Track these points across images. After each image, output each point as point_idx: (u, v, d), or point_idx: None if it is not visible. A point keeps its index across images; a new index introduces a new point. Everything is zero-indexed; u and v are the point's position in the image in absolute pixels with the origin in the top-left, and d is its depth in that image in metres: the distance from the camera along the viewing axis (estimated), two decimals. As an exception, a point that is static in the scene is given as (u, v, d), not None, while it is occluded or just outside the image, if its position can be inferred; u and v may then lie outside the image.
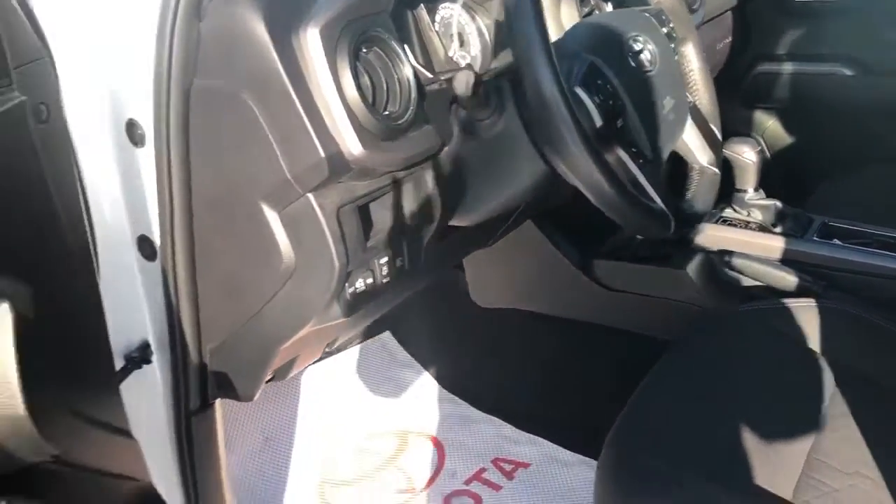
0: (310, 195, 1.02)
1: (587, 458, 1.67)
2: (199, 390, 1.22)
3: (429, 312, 1.96)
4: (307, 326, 1.14)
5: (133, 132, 1.04)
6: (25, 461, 0.80)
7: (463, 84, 1.06)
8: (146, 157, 1.05)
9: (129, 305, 1.15)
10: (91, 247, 0.98)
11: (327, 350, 1.41)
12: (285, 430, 1.75)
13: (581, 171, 1.07)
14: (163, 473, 1.26)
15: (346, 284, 1.12)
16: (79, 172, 0.96)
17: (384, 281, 1.19)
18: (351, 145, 0.98)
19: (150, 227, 1.10)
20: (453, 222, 1.28)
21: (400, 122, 1.04)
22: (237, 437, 1.65)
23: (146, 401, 1.22)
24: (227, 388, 1.22)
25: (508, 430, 1.79)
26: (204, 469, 1.28)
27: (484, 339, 1.91)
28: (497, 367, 1.88)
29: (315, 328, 1.17)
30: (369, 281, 1.16)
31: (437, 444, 1.79)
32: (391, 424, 1.84)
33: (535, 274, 1.80)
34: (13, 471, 0.79)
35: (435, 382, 1.95)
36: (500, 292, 1.86)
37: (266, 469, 1.66)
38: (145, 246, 1.12)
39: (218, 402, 1.27)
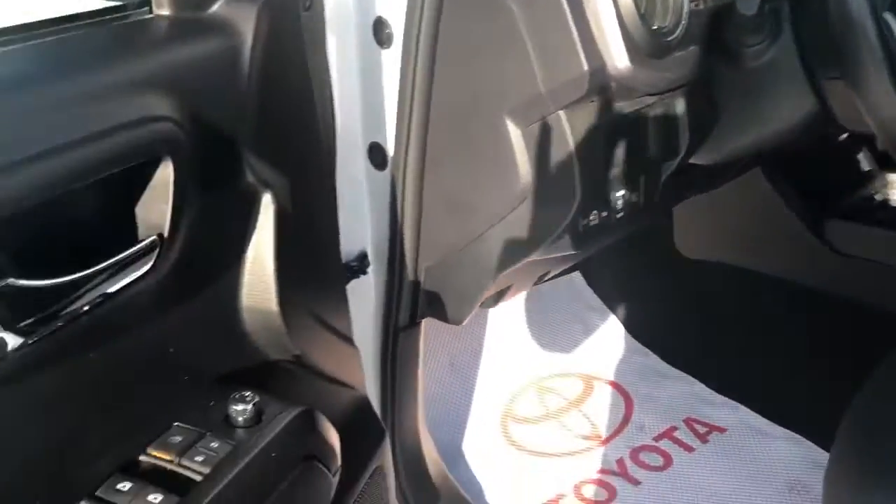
0: (561, 113, 0.94)
1: (793, 434, 1.53)
2: (409, 307, 1.19)
3: (625, 256, 1.85)
4: (532, 255, 1.07)
5: (380, 31, 0.99)
6: (269, 358, 0.79)
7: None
8: (390, 58, 1.00)
9: (352, 214, 1.13)
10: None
11: (536, 284, 1.35)
12: (471, 358, 1.72)
13: (884, 108, 0.92)
14: (367, 383, 1.26)
15: (581, 216, 1.04)
16: (327, 69, 0.92)
17: (618, 216, 1.10)
18: (618, 59, 0.88)
19: (385, 134, 1.06)
20: (695, 159, 1.17)
21: (670, 38, 0.93)
22: (425, 358, 1.63)
23: (359, 311, 1.20)
24: (436, 309, 1.19)
25: (704, 390, 1.68)
26: (403, 385, 1.26)
27: (685, 291, 1.79)
28: (697, 323, 1.75)
29: (536, 259, 1.11)
30: (604, 215, 1.07)
31: (625, 395, 1.70)
32: (576, 367, 1.77)
33: (754, 228, 1.64)
34: (256, 366, 0.78)
35: (624, 331, 1.85)
36: (710, 243, 1.72)
37: (451, 394, 1.64)
38: (376, 154, 1.08)
39: (424, 321, 1.25)
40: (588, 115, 0.95)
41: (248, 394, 0.70)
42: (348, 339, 0.94)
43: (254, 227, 0.75)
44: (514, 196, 1.01)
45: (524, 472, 1.53)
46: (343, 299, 0.94)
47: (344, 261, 1.17)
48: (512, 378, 1.72)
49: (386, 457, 0.99)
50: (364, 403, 0.97)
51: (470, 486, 1.47)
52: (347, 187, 1.13)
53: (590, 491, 1.49)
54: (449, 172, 1.07)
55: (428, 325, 1.28)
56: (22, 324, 0.55)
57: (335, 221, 0.92)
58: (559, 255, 1.12)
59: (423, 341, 1.26)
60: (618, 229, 1.13)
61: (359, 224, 1.13)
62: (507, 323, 1.82)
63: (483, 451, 1.55)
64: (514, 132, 0.97)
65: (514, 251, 1.07)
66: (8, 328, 0.53)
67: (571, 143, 0.95)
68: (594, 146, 0.97)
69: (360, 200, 1.11)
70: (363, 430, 0.95)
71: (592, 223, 1.06)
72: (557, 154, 0.96)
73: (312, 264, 0.86)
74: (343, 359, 0.92)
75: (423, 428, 1.36)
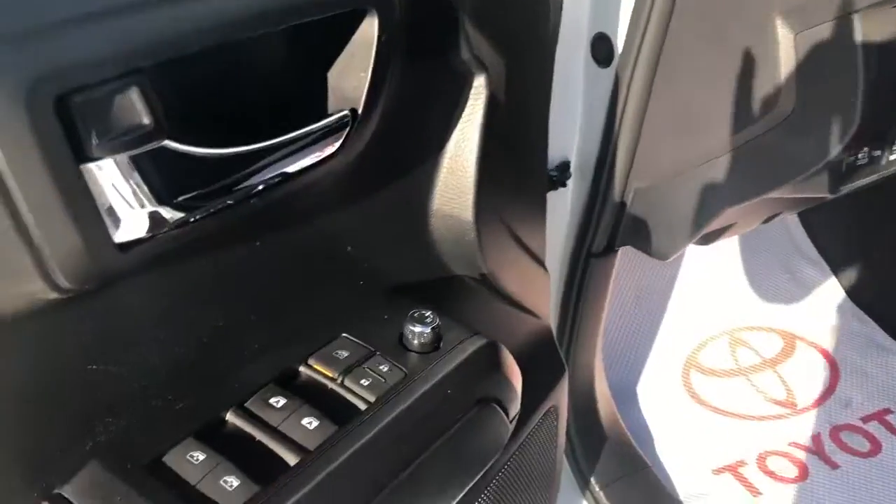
0: (855, 17, 0.73)
1: None
2: (608, 231, 1.04)
3: (856, 207, 1.58)
4: (773, 193, 0.88)
5: None
6: (454, 272, 0.68)
7: None
8: (638, -71, 0.82)
9: (561, 115, 0.97)
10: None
11: (761, 224, 1.15)
12: (659, 295, 1.55)
13: None
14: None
15: (849, 151, 0.83)
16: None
17: (889, 160, 0.88)
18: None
19: (615, 24, 0.89)
20: None
21: None
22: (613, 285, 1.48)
23: (550, 230, 1.07)
24: (640, 238, 1.03)
25: (931, 374, 1.43)
26: (586, 318, 1.13)
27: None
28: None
29: (776, 197, 0.92)
30: (876, 153, 0.86)
31: (831, 363, 1.48)
32: (778, 322, 1.55)
33: None
34: (438, 280, 0.66)
35: (842, 291, 1.61)
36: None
37: (632, 332, 1.49)
38: (601, 47, 0.92)
39: (621, 252, 1.09)
40: (892, 23, 0.74)
41: (428, 314, 0.58)
42: (540, 261, 0.81)
43: (460, 116, 0.62)
44: (770, 117, 0.82)
45: (701, 429, 1.37)
46: (541, 214, 0.80)
47: (544, 169, 1.03)
48: (702, 323, 1.54)
49: (562, 396, 0.87)
50: (547, 335, 0.84)
51: (640, 434, 1.33)
52: (561, 83, 0.97)
53: (776, 464, 1.31)
54: (687, 79, 0.88)
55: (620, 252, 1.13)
56: (181, 198, 0.45)
57: (546, 121, 0.77)
58: (805, 195, 0.92)
59: (615, 272, 1.11)
60: (884, 174, 0.91)
61: (567, 128, 0.98)
62: (705, 260, 1.62)
63: (659, 398, 1.40)
64: (785, 37, 0.77)
65: (751, 185, 0.88)
66: (163, 202, 0.44)
67: (861, 57, 0.74)
68: (891, 64, 0.75)
69: (572, 100, 0.96)
70: (544, 365, 0.83)
71: (861, 162, 0.85)
72: (838, 69, 0.76)
73: (516, 169, 0.72)
74: (532, 283, 0.79)
75: (599, 365, 1.22)
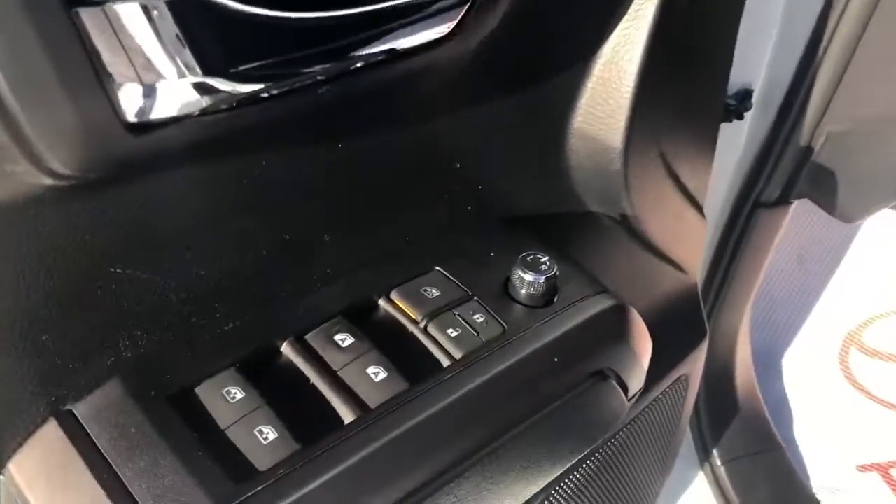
0: None
1: None
2: (785, 178, 0.87)
3: None
4: None
5: None
6: (587, 207, 0.55)
7: None
8: None
9: (752, 29, 0.80)
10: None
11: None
12: (828, 256, 1.35)
13: None
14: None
15: None
16: None
17: None
18: None
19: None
20: None
21: None
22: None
23: (715, 170, 0.91)
24: (823, 192, 0.85)
25: None
26: (741, 276, 0.97)
27: None
28: None
29: None
30: None
31: None
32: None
33: None
34: (566, 216, 0.54)
35: None
36: None
37: (789, 294, 1.31)
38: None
39: (795, 204, 0.92)
40: None
41: (544, 259, 0.46)
42: (698, 206, 0.66)
43: (624, 9, 0.47)
44: None
45: (852, 416, 1.19)
46: (710, 150, 0.65)
47: (719, 95, 0.86)
48: (873, 296, 1.33)
49: (697, 364, 0.74)
50: (692, 295, 0.71)
51: (779, 410, 1.18)
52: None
53: (937, 473, 1.13)
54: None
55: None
56: (250, 65, 0.35)
57: (734, 34, 0.61)
58: None
59: (785, 229, 0.94)
60: None
61: (756, 46, 0.80)
62: (886, 223, 1.39)
63: (808, 374, 1.23)
64: None
65: None
66: (221, 73, 0.33)
67: None
68: None
69: (770, 10, 0.78)
70: (682, 328, 0.70)
71: None
72: None
73: (686, 89, 0.57)
74: (684, 232, 0.65)
75: (744, 329, 1.07)
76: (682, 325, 0.70)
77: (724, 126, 0.86)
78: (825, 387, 1.22)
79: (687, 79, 0.57)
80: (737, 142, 0.86)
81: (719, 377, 1.08)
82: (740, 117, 0.84)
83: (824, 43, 0.74)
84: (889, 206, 0.82)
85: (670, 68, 0.52)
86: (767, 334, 1.26)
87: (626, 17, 0.49)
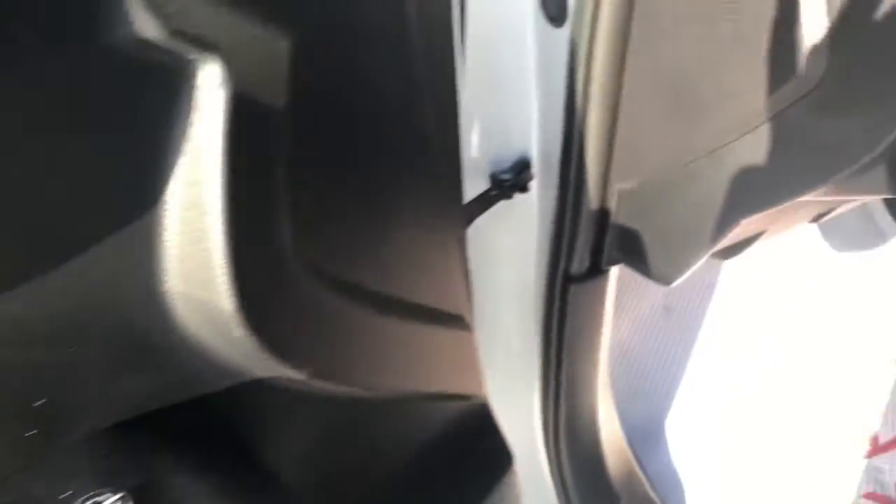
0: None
1: None
2: (589, 247, 0.77)
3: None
4: (813, 191, 0.60)
5: None
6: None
7: None
8: None
9: (509, 95, 0.71)
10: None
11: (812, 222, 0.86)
12: (694, 306, 1.26)
13: None
14: (515, 352, 0.88)
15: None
16: None
17: None
18: None
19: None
20: None
21: None
22: (630, 297, 1.20)
23: (510, 249, 0.80)
24: (634, 256, 0.76)
25: None
26: (574, 350, 0.86)
27: None
28: None
29: (813, 199, 0.63)
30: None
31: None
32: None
33: None
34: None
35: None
36: None
37: (661, 348, 1.21)
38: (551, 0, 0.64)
39: (613, 271, 0.82)
40: None
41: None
42: (455, 321, 0.55)
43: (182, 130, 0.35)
44: (797, 85, 0.53)
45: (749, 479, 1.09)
46: (458, 229, 0.54)
47: (490, 171, 0.76)
48: (741, 348, 1.24)
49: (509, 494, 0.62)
50: (482, 418, 0.59)
51: (667, 487, 1.06)
52: (501, 51, 0.70)
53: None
54: (674, 35, 0.60)
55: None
56: None
57: (454, 106, 0.51)
58: (855, 196, 0.64)
59: (612, 297, 0.84)
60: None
61: (518, 113, 0.71)
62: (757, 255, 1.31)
63: (698, 441, 1.12)
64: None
65: (780, 181, 0.60)
66: None
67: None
68: None
69: (520, 72, 0.69)
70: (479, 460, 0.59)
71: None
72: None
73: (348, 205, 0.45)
74: (445, 339, 0.54)
75: (606, 405, 0.95)
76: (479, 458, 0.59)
77: (512, 202, 0.77)
78: (718, 452, 1.11)
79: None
80: (529, 212, 0.76)
81: (588, 463, 0.96)
82: (524, 190, 0.75)
83: (579, 97, 0.65)
84: (702, 259, 0.73)
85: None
86: (641, 402, 1.15)
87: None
